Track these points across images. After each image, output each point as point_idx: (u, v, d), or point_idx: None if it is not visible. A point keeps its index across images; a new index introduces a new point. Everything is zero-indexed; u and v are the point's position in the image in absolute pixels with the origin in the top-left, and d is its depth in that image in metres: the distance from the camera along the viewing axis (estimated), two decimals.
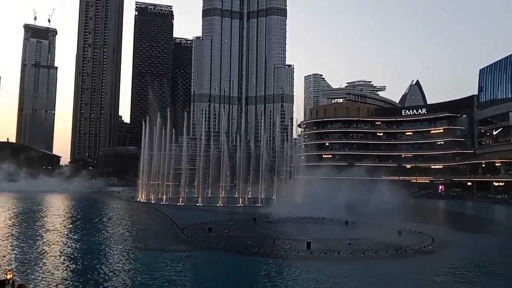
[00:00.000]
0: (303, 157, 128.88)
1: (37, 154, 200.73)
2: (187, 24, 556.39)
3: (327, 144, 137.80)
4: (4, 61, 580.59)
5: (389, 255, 30.68)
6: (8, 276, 11.24)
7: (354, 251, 30.83)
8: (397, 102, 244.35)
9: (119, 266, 27.10)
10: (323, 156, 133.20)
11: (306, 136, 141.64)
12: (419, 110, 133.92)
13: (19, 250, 31.28)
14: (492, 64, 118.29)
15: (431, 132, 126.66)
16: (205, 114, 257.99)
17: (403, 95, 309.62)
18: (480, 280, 25.49)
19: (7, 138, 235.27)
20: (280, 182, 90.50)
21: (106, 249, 32.83)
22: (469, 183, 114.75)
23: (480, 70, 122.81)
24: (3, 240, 35.28)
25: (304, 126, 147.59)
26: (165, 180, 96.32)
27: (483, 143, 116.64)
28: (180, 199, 78.04)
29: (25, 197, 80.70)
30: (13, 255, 29.27)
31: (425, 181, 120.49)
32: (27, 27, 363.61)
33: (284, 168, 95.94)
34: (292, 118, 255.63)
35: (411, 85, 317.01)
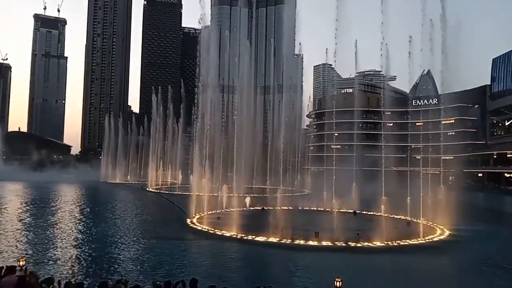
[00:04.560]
0: (312, 148, 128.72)
1: (48, 143, 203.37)
2: (196, 14, 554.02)
3: (336, 134, 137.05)
4: (15, 51, 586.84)
5: (397, 246, 30.63)
6: (21, 263, 11.40)
7: (362, 242, 30.80)
8: (408, 92, 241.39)
9: (130, 254, 27.48)
10: (332, 146, 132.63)
11: (315, 127, 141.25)
12: (430, 100, 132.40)
13: (32, 237, 31.85)
14: (505, 54, 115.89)
15: (442, 122, 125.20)
16: (214, 104, 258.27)
17: (414, 85, 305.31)
18: (490, 273, 25.23)
19: (19, 128, 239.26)
20: (288, 173, 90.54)
21: (117, 236, 33.29)
22: (480, 174, 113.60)
23: (493, 59, 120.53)
24: (17, 228, 35.98)
25: (313, 116, 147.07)
26: (175, 170, 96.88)
27: (495, 134, 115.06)
28: (189, 188, 78.46)
29: (41, 187, 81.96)
30: (26, 243, 29.83)
31: (435, 172, 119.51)
32: (37, 17, 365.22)
33: (292, 158, 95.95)
34: (301, 108, 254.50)
35: (422, 75, 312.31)
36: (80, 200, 65.39)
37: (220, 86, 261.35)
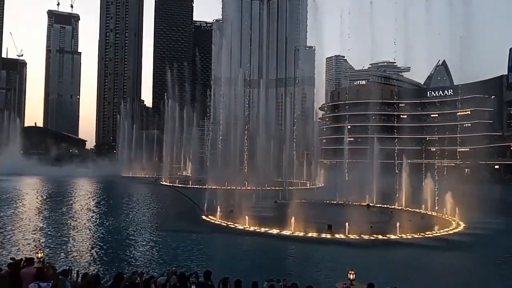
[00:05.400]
0: (325, 140, 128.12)
1: (64, 138, 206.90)
2: (207, 7, 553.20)
3: (349, 127, 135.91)
4: (30, 47, 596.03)
5: (411, 239, 30.40)
6: (39, 255, 11.69)
7: (376, 235, 30.64)
8: (423, 83, 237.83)
9: (144, 246, 27.90)
10: (346, 139, 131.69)
11: (327, 119, 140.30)
12: (446, 91, 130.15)
13: (49, 230, 32.55)
14: None
15: (458, 114, 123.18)
16: (226, 97, 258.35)
17: (428, 76, 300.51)
18: (504, 267, 24.87)
19: (35, 123, 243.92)
20: (301, 166, 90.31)
21: (131, 229, 33.80)
22: (496, 166, 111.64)
23: (510, 49, 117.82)
24: (35, 220, 36.82)
25: (326, 108, 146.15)
26: (188, 163, 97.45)
27: None
28: (202, 181, 78.95)
29: (58, 181, 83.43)
30: (43, 235, 30.52)
31: (451, 164, 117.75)
32: (50, 13, 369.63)
33: (305, 151, 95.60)
34: (313, 101, 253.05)
35: (437, 66, 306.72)
36: (96, 194, 66.46)
37: (232, 79, 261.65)
